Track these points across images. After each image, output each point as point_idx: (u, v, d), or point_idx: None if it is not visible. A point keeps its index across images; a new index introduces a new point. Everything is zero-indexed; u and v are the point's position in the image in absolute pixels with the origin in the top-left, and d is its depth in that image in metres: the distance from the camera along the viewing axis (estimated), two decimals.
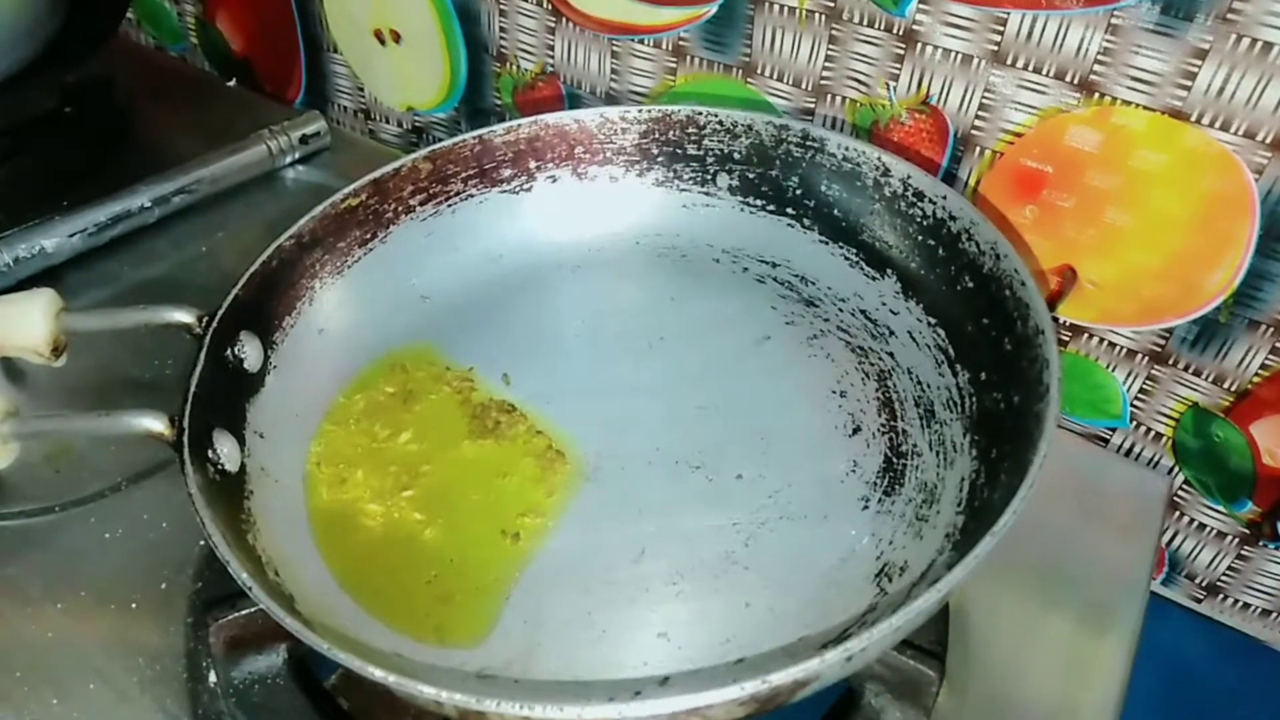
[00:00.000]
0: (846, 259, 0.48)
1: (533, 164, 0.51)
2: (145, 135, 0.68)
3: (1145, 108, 0.43)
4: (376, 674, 0.27)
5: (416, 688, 0.26)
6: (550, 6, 0.58)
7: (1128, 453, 0.53)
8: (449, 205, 0.50)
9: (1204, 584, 0.55)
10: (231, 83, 0.75)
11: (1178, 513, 0.53)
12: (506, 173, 0.51)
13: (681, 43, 0.55)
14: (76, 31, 0.60)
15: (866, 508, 0.39)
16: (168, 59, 0.82)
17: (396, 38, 0.66)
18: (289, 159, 0.63)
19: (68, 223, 0.54)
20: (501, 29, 0.61)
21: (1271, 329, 0.45)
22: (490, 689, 0.28)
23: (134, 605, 0.40)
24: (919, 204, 0.45)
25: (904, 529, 0.38)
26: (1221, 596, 0.55)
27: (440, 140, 0.51)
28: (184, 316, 0.39)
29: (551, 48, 0.60)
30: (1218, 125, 0.42)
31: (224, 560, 0.31)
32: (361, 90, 0.71)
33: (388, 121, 0.71)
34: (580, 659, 0.35)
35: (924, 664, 0.35)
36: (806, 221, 0.49)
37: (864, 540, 0.37)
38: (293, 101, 0.76)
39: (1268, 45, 0.39)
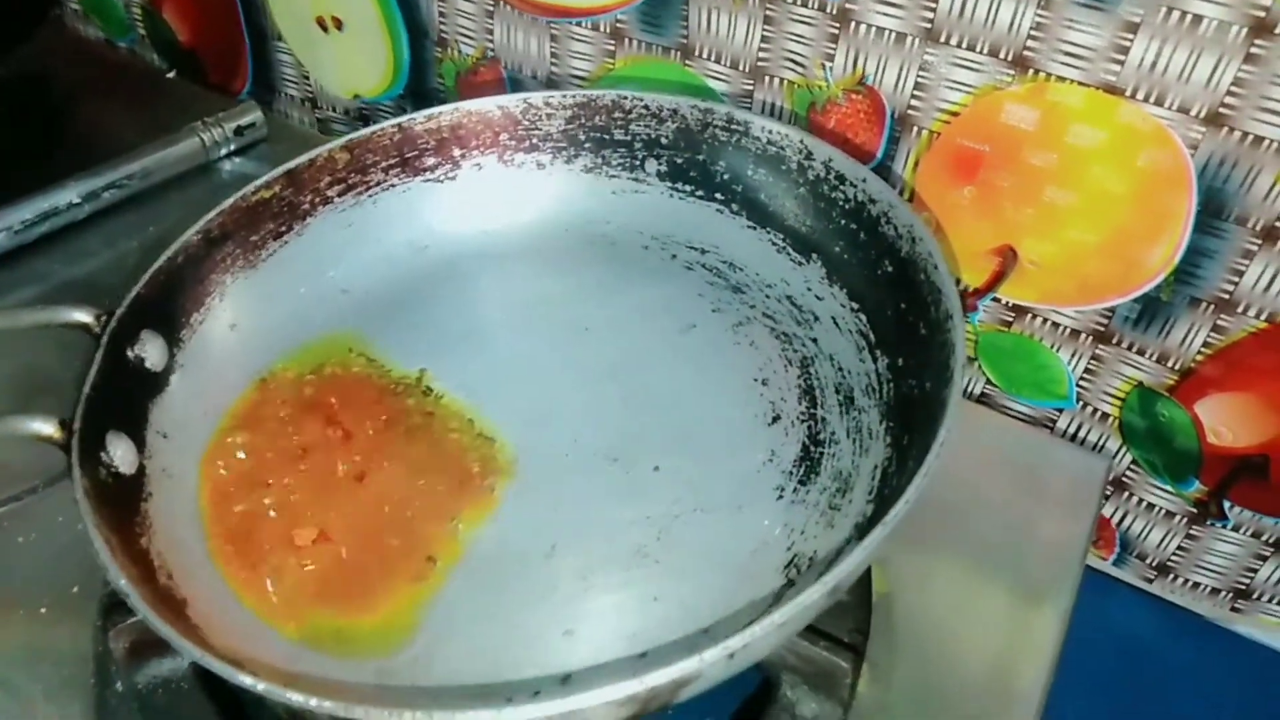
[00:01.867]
0: (773, 244, 0.47)
1: (457, 151, 0.50)
2: (81, 130, 0.67)
3: (1080, 83, 0.42)
4: (245, 681, 0.26)
5: (285, 695, 0.26)
6: None
7: (1075, 435, 0.52)
8: (369, 195, 0.49)
9: (1154, 564, 0.55)
10: (171, 74, 0.74)
11: (1126, 493, 0.53)
12: (430, 161, 0.50)
13: (619, 25, 0.54)
14: (4, 23, 0.59)
15: (781, 497, 0.38)
16: (114, 53, 0.81)
17: (339, 24, 0.65)
18: (224, 151, 0.62)
19: None
20: (441, 14, 0.60)
21: (1213, 306, 0.44)
22: (364, 696, 0.28)
23: (43, 610, 0.39)
24: (841, 187, 0.44)
25: (816, 518, 0.37)
26: (1172, 576, 0.54)
27: None
28: (83, 316, 0.38)
29: (491, 32, 0.59)
30: (1152, 100, 0.41)
31: (103, 566, 0.30)
32: (308, 79, 0.70)
33: (334, 110, 0.70)
34: (485, 659, 0.34)
35: (837, 655, 0.35)
36: (734, 207, 0.49)
37: (776, 530, 0.37)
38: (240, 92, 0.75)
39: (1198, 18, 0.38)
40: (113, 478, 0.36)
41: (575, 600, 0.36)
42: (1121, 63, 0.41)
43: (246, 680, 0.26)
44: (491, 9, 0.58)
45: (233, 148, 0.63)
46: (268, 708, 0.35)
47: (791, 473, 0.39)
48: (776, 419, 0.41)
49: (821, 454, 0.39)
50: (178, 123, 0.62)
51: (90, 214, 0.57)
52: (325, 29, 0.65)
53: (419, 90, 0.65)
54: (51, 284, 0.55)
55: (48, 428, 0.34)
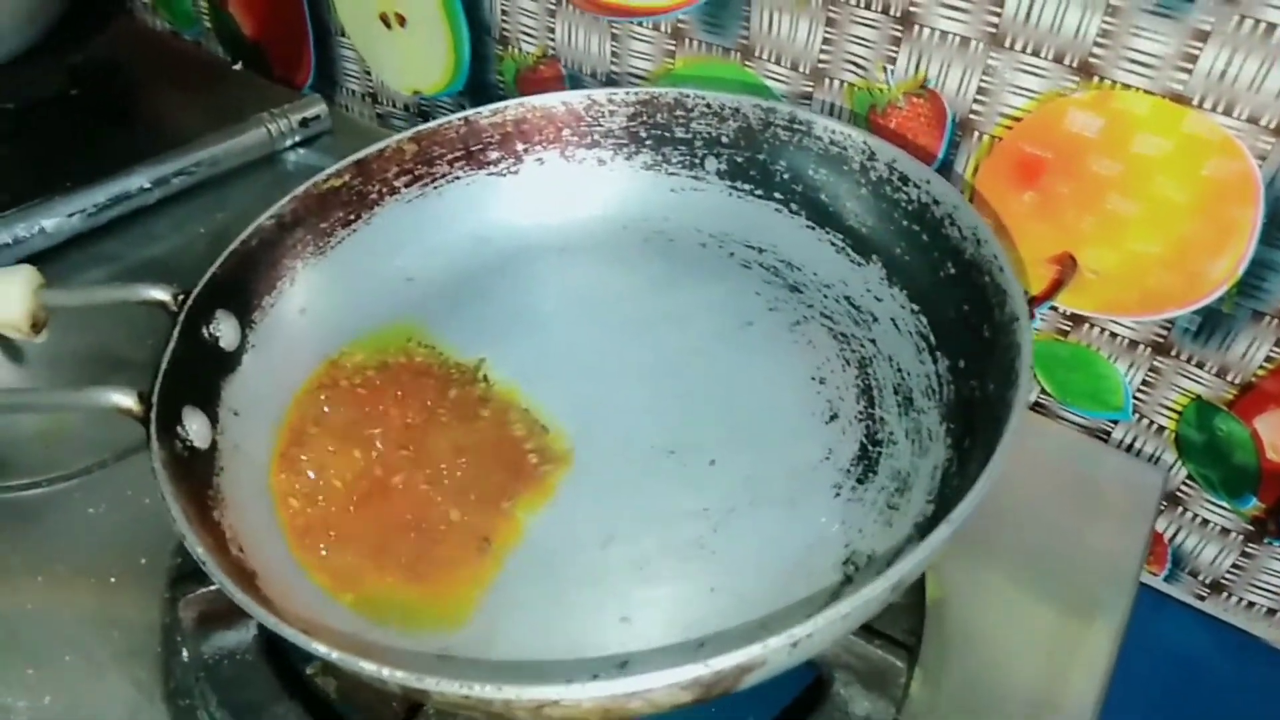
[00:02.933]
0: (832, 244, 0.48)
1: (520, 146, 0.51)
2: (149, 118, 0.68)
3: (1146, 91, 0.42)
4: (319, 650, 0.27)
5: (359, 664, 0.26)
6: None
7: (1130, 446, 0.52)
8: (435, 187, 0.50)
9: (1207, 581, 0.54)
10: (237, 66, 0.76)
11: (1180, 508, 0.52)
12: (493, 155, 0.50)
13: (680, 25, 0.54)
14: (83, 13, 0.61)
15: (839, 495, 0.38)
16: (179, 44, 0.83)
17: (402, 21, 0.66)
18: (289, 142, 0.64)
19: (67, 203, 0.55)
20: (504, 12, 0.61)
21: (1276, 320, 0.44)
22: (433, 668, 0.28)
23: (113, 579, 0.41)
24: (904, 188, 0.44)
25: (874, 517, 0.37)
26: (1225, 594, 0.54)
27: None
28: (160, 294, 0.40)
29: (553, 30, 0.59)
30: (1220, 110, 0.40)
31: (181, 534, 0.31)
32: (369, 74, 0.71)
33: (394, 105, 0.72)
34: (543, 642, 0.34)
35: (892, 654, 0.35)
36: (794, 206, 0.49)
37: (834, 528, 0.37)
38: (303, 86, 0.76)
39: (1271, 27, 0.38)
40: (188, 451, 0.36)
41: (631, 589, 0.36)
42: (1190, 71, 0.40)
43: (321, 649, 0.27)
44: (554, 8, 0.58)
45: (297, 139, 0.64)
46: (327, 681, 0.36)
47: (849, 471, 0.39)
48: (834, 417, 0.41)
49: (880, 453, 0.39)
50: (241, 113, 0.63)
51: (159, 199, 0.59)
52: (388, 25, 0.67)
53: (478, 87, 0.66)
54: (121, 265, 0.56)
55: (127, 400, 0.36)
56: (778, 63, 0.52)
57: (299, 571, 0.36)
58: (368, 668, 0.27)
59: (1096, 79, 0.43)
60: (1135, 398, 0.50)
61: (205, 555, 0.30)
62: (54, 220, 0.54)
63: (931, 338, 0.42)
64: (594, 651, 0.34)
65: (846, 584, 0.35)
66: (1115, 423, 0.52)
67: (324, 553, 0.37)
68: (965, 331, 0.40)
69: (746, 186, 0.50)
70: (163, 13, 0.83)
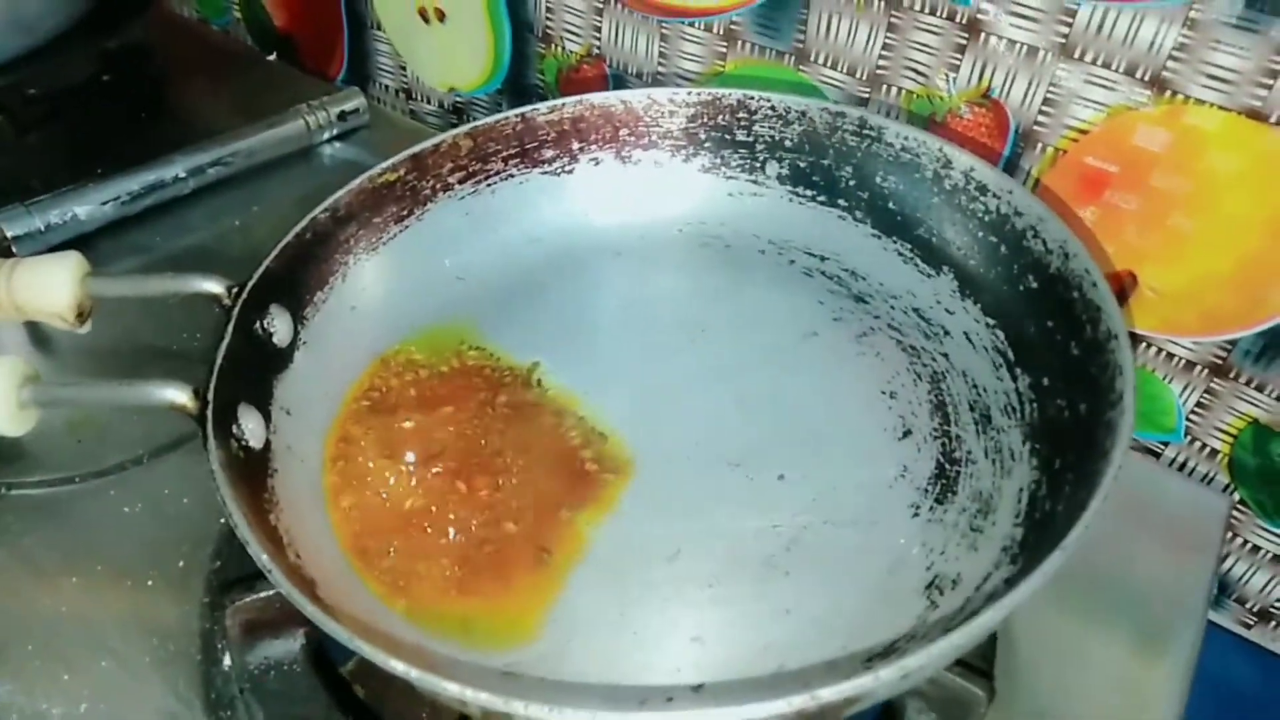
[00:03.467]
0: (900, 254, 0.46)
1: (576, 145, 0.49)
2: (183, 107, 0.67)
3: (1220, 107, 0.41)
4: (399, 668, 0.25)
5: (441, 684, 0.25)
6: None
7: (1180, 468, 0.51)
8: (488, 185, 0.49)
9: (1255, 609, 0.53)
10: (272, 57, 0.74)
11: (1230, 533, 0.51)
12: (549, 153, 0.49)
13: (733, 27, 0.53)
14: (114, 0, 0.60)
15: (917, 515, 0.37)
16: (210, 32, 0.81)
17: (441, 16, 0.64)
18: (326, 135, 0.62)
19: (101, 190, 0.53)
20: (548, 9, 0.60)
21: None
22: (517, 688, 0.27)
23: (150, 582, 0.39)
24: (981, 198, 0.43)
25: (957, 539, 0.36)
26: (1273, 624, 0.53)
27: None
28: (214, 286, 0.38)
29: (599, 29, 0.58)
30: None
31: (244, 540, 0.29)
32: (404, 69, 0.70)
33: (428, 101, 0.70)
34: (610, 660, 0.33)
35: (973, 683, 0.33)
36: (859, 214, 0.48)
37: (914, 549, 0.35)
38: (334, 78, 0.75)
39: None
40: (243, 452, 0.35)
41: (702, 607, 0.35)
42: (1269, 87, 0.40)
43: (400, 667, 0.25)
44: (601, 6, 0.57)
45: (335, 132, 0.63)
46: (378, 695, 0.34)
47: (927, 490, 0.38)
48: (908, 433, 0.40)
49: (958, 473, 0.38)
50: (274, 105, 0.62)
51: (194, 189, 0.57)
52: (427, 20, 0.65)
53: (517, 86, 0.65)
54: (154, 256, 0.55)
55: (181, 396, 0.34)
56: (834, 67, 0.51)
57: (354, 578, 0.35)
58: (450, 688, 0.25)
59: (1169, 93, 0.42)
60: (1189, 420, 0.49)
61: (270, 563, 0.29)
62: (87, 207, 0.53)
63: (1010, 354, 0.41)
64: (665, 672, 0.33)
65: (932, 608, 0.33)
66: (1165, 444, 0.51)
67: (381, 559, 0.36)
68: (1049, 348, 0.38)
69: (808, 192, 0.49)
70: (193, 1, 0.82)
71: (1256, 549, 0.51)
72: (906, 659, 0.25)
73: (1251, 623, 0.54)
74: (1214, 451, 0.50)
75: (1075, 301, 0.37)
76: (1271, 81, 0.39)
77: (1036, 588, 0.26)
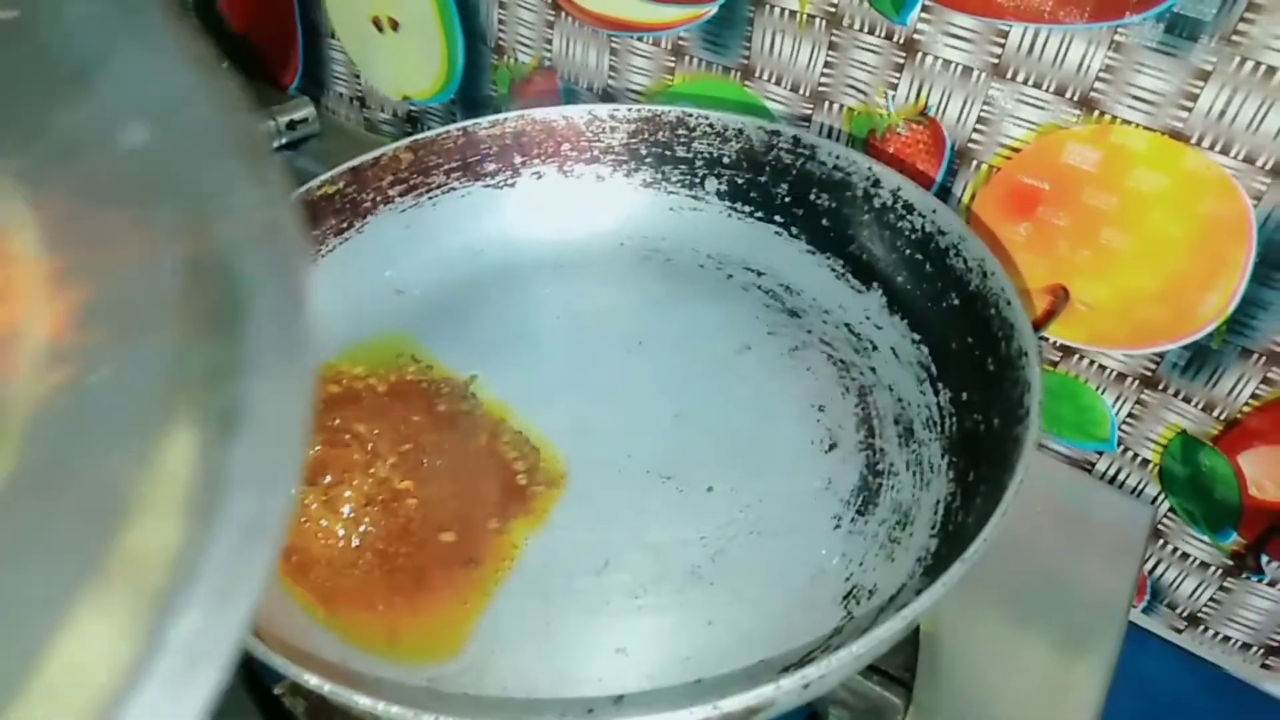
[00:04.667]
0: (833, 270, 0.47)
1: (518, 159, 0.50)
2: None
3: (1145, 127, 0.42)
4: (311, 681, 0.26)
5: (354, 698, 0.25)
6: (550, 0, 0.57)
7: (1113, 478, 0.52)
8: (429, 197, 0.49)
9: (1185, 614, 0.54)
10: (224, 65, 0.74)
11: (1161, 541, 0.52)
12: (491, 166, 0.50)
13: (681, 42, 0.54)
14: None
15: (839, 527, 0.38)
16: None
17: (395, 25, 0.65)
18: (275, 144, 0.62)
19: None
20: (500, 21, 0.60)
21: (1264, 358, 0.44)
22: (433, 702, 0.27)
23: None
24: (908, 217, 0.44)
25: (875, 550, 0.37)
26: (1202, 628, 0.54)
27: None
28: None
29: (550, 41, 0.59)
30: (1218, 148, 0.41)
31: None
32: (358, 77, 0.70)
33: (383, 110, 0.70)
34: (535, 673, 0.34)
35: (890, 690, 0.34)
36: (794, 230, 0.48)
37: (834, 560, 0.36)
38: (289, 86, 0.75)
39: (1271, 69, 0.38)
40: None
41: (627, 618, 0.35)
42: (1189, 109, 0.41)
43: (313, 680, 0.26)
44: (552, 19, 0.58)
45: (283, 141, 0.63)
46: (295, 701, 0.35)
47: (849, 502, 0.39)
48: (834, 446, 0.41)
49: (880, 485, 0.39)
50: None
51: None
52: (380, 29, 0.65)
53: (470, 96, 0.65)
54: None
55: None
56: (778, 83, 0.52)
57: (280, 591, 0.35)
58: (362, 701, 0.25)
59: (1097, 113, 0.43)
60: (1121, 430, 0.50)
61: None
62: None
63: (933, 368, 0.42)
64: (588, 684, 0.33)
65: (848, 619, 0.34)
66: (1100, 454, 0.52)
67: (308, 571, 0.36)
68: (968, 364, 0.39)
69: (746, 208, 0.50)
70: None
71: (1186, 556, 0.52)
72: (807, 669, 0.26)
73: (1182, 628, 0.55)
74: (1145, 461, 0.51)
75: (992, 318, 0.38)
76: (1191, 104, 0.41)
77: (938, 598, 0.27)
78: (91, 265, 0.22)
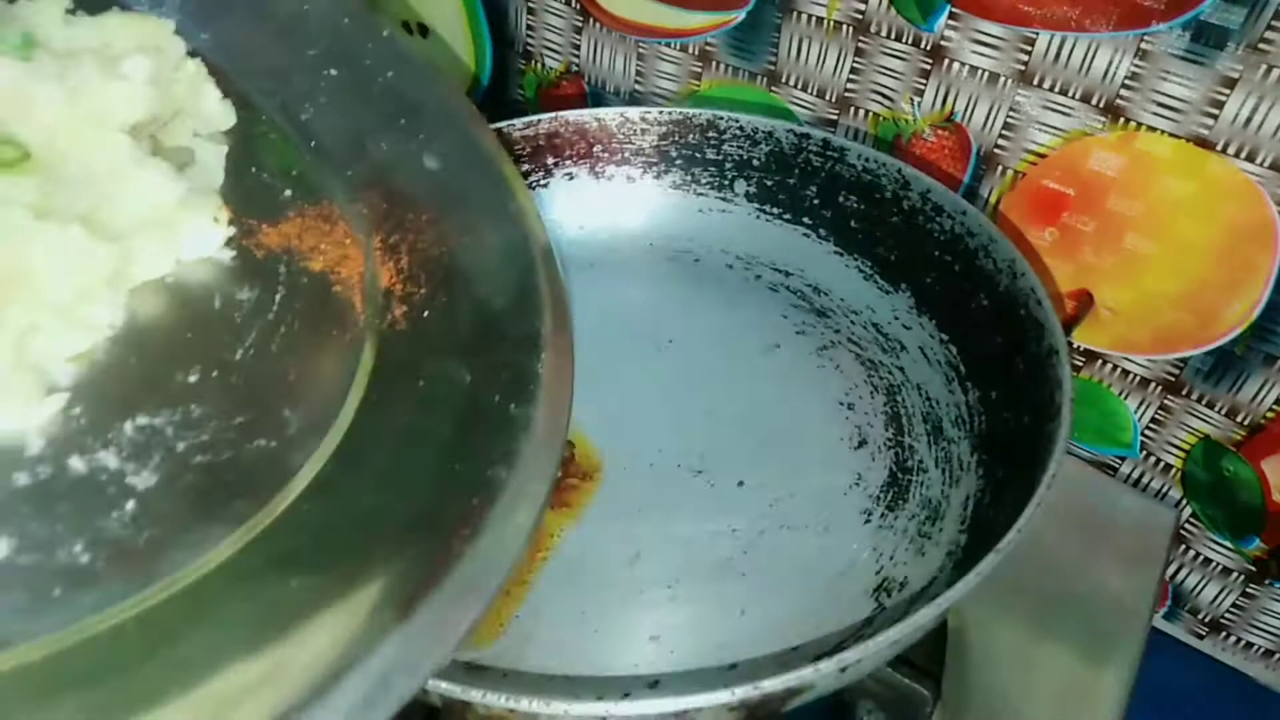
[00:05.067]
0: (861, 271, 0.48)
1: (550, 160, 0.51)
2: None
3: (1171, 134, 0.43)
4: None
5: None
6: (578, 6, 0.58)
7: (1136, 482, 0.52)
8: None
9: (1207, 620, 0.54)
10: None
11: (1183, 546, 0.53)
12: (523, 167, 0.50)
13: (708, 48, 0.54)
14: None
15: (869, 521, 0.38)
16: None
17: (424, 31, 0.66)
18: None
19: None
20: (529, 26, 0.61)
21: None
22: (478, 680, 0.28)
23: None
24: (937, 219, 0.45)
25: (905, 545, 0.37)
26: (1224, 634, 0.54)
27: None
28: None
29: (578, 47, 0.60)
30: (1243, 155, 0.41)
31: None
32: None
33: None
34: (571, 657, 0.34)
35: (920, 683, 0.35)
36: (822, 232, 0.49)
37: (864, 554, 0.37)
38: None
39: None
40: None
41: (661, 607, 0.36)
42: (1215, 117, 0.41)
43: None
44: (580, 25, 0.59)
45: None
46: None
47: (879, 498, 0.39)
48: (863, 443, 0.41)
49: (909, 481, 0.39)
50: None
51: None
52: (410, 33, 0.66)
53: (498, 100, 0.66)
54: None
55: None
56: (804, 89, 0.52)
57: None
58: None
59: (1122, 120, 0.44)
60: (1144, 435, 0.51)
61: None
62: None
63: (962, 368, 0.42)
64: (623, 669, 0.34)
65: (879, 610, 0.35)
66: (1122, 459, 0.52)
67: None
68: (997, 363, 0.40)
69: (775, 210, 0.50)
70: None
71: (1208, 561, 0.52)
72: (844, 654, 0.26)
73: (1203, 633, 0.55)
74: (1168, 466, 0.51)
75: (1022, 318, 0.39)
76: (1217, 111, 0.41)
77: (972, 587, 0.28)
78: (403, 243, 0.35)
